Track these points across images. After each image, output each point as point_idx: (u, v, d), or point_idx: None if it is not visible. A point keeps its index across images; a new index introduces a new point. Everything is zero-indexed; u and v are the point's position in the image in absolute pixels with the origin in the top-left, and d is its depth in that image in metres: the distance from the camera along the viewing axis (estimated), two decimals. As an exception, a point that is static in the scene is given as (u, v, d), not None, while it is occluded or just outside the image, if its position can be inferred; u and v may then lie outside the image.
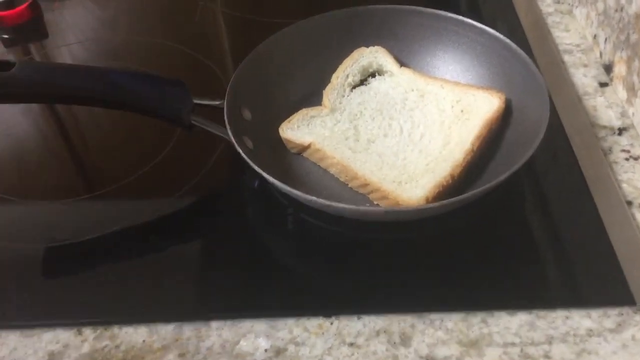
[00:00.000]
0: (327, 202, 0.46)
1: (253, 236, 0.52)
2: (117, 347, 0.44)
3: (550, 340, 0.43)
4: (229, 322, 0.45)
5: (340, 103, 0.58)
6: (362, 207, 0.50)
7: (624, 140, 0.57)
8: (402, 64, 0.61)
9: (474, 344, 0.43)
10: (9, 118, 0.63)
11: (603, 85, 0.62)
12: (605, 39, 0.63)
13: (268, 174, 0.48)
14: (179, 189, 0.55)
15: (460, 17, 0.60)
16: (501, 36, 0.58)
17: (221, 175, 0.57)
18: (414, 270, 0.48)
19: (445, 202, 0.46)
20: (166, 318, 0.45)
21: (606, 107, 0.60)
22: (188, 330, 0.44)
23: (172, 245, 0.51)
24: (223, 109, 0.52)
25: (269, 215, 0.53)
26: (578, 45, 0.67)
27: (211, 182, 0.56)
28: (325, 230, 0.51)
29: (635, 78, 0.57)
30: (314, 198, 0.46)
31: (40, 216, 0.54)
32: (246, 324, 0.45)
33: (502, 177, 0.46)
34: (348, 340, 0.44)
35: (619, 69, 0.60)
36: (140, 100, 0.50)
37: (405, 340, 0.44)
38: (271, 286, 0.47)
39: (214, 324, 0.45)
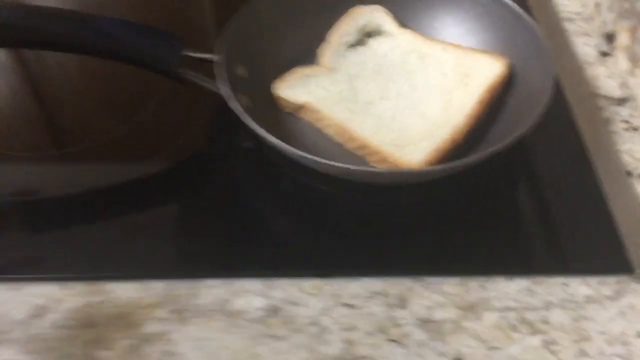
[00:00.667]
0: (329, 162, 0.45)
1: (248, 196, 0.50)
2: (104, 302, 0.42)
3: (547, 306, 0.43)
4: (222, 281, 0.44)
5: (337, 63, 0.57)
6: (365, 168, 0.49)
7: (624, 111, 0.56)
8: (401, 24, 0.60)
9: (471, 308, 0.43)
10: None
11: (604, 54, 0.62)
12: (608, 8, 0.62)
13: (265, 131, 0.46)
14: (169, 144, 0.53)
15: (463, -22, 0.59)
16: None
17: (212, 133, 0.55)
18: (412, 234, 0.48)
19: (446, 165, 0.45)
20: (157, 275, 0.44)
21: (607, 77, 0.59)
22: (181, 287, 0.43)
23: (164, 203, 0.50)
24: (214, 64, 0.50)
25: (264, 176, 0.52)
26: (579, 13, 0.66)
27: (201, 140, 0.55)
28: (321, 191, 0.50)
29: (638, 48, 0.56)
30: (315, 158, 0.45)
31: (20, 170, 0.53)
32: (240, 283, 0.44)
33: (505, 143, 0.46)
34: (344, 300, 0.43)
35: (622, 39, 0.59)
36: (130, 48, 0.48)
37: (402, 303, 0.43)
38: (266, 246, 0.46)
39: (208, 282, 0.44)
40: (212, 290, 0.43)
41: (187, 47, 0.51)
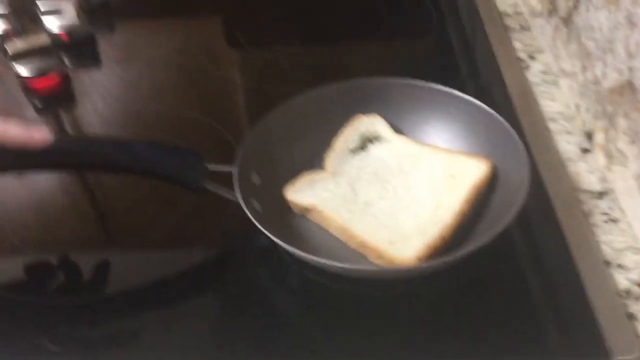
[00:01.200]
0: (326, 261, 0.51)
1: (263, 293, 0.56)
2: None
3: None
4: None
5: (340, 167, 0.64)
6: (357, 266, 0.55)
7: (603, 204, 0.61)
8: (397, 130, 0.67)
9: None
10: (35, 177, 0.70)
11: (585, 151, 0.67)
12: (586, 109, 0.68)
13: (273, 234, 0.53)
14: (192, 246, 0.60)
15: (450, 90, 0.66)
16: (486, 107, 0.63)
17: (232, 235, 0.62)
18: (414, 324, 0.52)
19: (434, 262, 0.51)
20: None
21: (588, 172, 0.65)
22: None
23: (178, 307, 0.56)
24: (233, 174, 0.58)
25: (277, 274, 0.58)
26: (562, 113, 0.72)
27: (221, 241, 0.61)
28: (328, 287, 0.56)
29: (612, 146, 0.62)
30: (313, 257, 0.51)
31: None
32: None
33: (485, 240, 0.51)
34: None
35: (599, 137, 0.65)
36: (160, 168, 0.57)
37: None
38: (280, 341, 0.52)
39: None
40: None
41: (210, 162, 0.59)
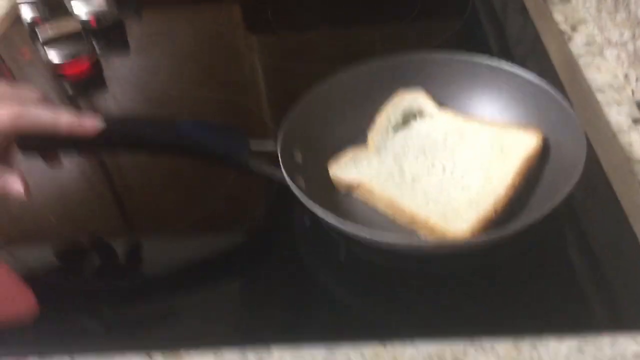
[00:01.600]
0: (378, 235, 0.49)
1: (309, 268, 0.55)
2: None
3: (598, 365, 0.45)
4: (289, 348, 0.48)
5: (384, 144, 0.62)
6: (411, 240, 0.53)
7: (659, 174, 0.59)
8: (440, 105, 0.65)
9: (524, 369, 0.45)
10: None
11: (636, 121, 0.65)
12: (637, 78, 0.66)
13: (320, 209, 0.51)
14: (237, 227, 0.59)
15: (492, 62, 0.64)
16: (534, 78, 0.61)
17: (275, 215, 0.60)
18: (463, 299, 0.50)
19: (490, 234, 0.49)
20: (231, 343, 0.48)
21: (641, 143, 0.62)
22: (251, 356, 0.48)
23: (235, 276, 0.55)
24: (274, 153, 0.56)
25: (323, 252, 0.56)
26: (610, 84, 0.70)
27: (265, 222, 0.60)
28: (375, 263, 0.54)
29: (667, 114, 0.59)
30: (368, 231, 0.50)
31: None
32: (306, 351, 0.48)
33: (544, 211, 0.49)
34: (403, 364, 0.46)
35: (651, 106, 0.63)
36: (206, 148, 0.55)
37: (458, 365, 0.46)
38: (329, 315, 0.50)
39: (276, 352, 0.48)
40: (281, 356, 0.47)
41: (252, 141, 0.57)
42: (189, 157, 0.57)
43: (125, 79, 0.82)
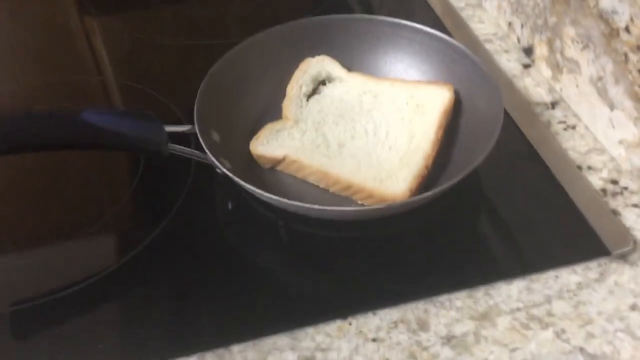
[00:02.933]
0: (326, 208, 0.47)
1: (247, 257, 0.51)
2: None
3: (549, 299, 0.46)
4: (250, 343, 0.44)
5: (301, 114, 0.58)
6: (360, 208, 0.51)
7: (557, 113, 0.62)
8: (348, 69, 0.63)
9: (484, 317, 0.45)
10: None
11: (526, 66, 0.67)
12: (522, 25, 0.68)
13: (257, 189, 0.47)
14: (155, 222, 0.52)
15: (395, 20, 0.63)
16: (436, 31, 0.61)
17: (196, 202, 0.54)
18: (413, 260, 0.49)
19: (437, 189, 0.48)
20: (186, 351, 0.43)
21: (535, 86, 0.65)
22: (212, 357, 0.43)
23: (172, 277, 0.49)
24: (189, 134, 0.51)
25: (259, 232, 0.52)
26: (495, 34, 0.72)
27: (189, 210, 0.54)
28: (318, 236, 0.51)
29: (559, 56, 0.62)
30: (309, 205, 0.46)
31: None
32: (268, 341, 0.44)
33: (477, 162, 0.49)
34: (370, 336, 0.44)
35: (540, 51, 0.65)
36: (118, 137, 0.48)
37: (423, 325, 0.45)
38: (282, 299, 0.47)
39: (236, 348, 0.43)
40: (243, 355, 0.43)
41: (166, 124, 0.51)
42: (94, 150, 0.49)
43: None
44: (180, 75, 0.69)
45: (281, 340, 0.44)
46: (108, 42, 0.75)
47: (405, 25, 0.62)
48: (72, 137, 0.46)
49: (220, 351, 0.43)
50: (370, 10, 0.79)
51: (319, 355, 0.43)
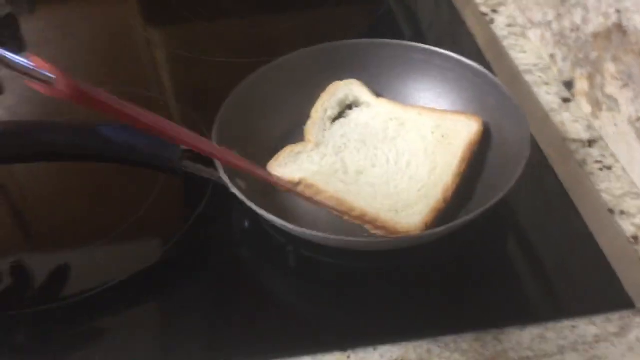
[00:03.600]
0: (331, 236, 0.45)
1: (254, 278, 0.50)
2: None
3: (562, 351, 0.44)
4: (245, 368, 0.43)
5: (323, 137, 0.58)
6: (369, 239, 0.49)
7: (595, 152, 0.58)
8: (376, 94, 0.61)
9: (490, 363, 0.43)
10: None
11: (566, 100, 0.64)
12: (563, 58, 0.65)
13: (266, 211, 0.46)
14: (168, 237, 0.53)
15: (426, 46, 0.61)
16: (469, 61, 0.59)
17: (211, 220, 0.54)
18: (421, 296, 0.47)
19: (451, 224, 0.46)
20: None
21: (573, 122, 0.62)
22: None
23: (168, 296, 0.49)
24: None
25: (270, 256, 0.51)
26: (536, 65, 0.69)
27: (201, 228, 0.54)
28: (327, 264, 0.50)
29: (598, 93, 0.59)
30: (318, 233, 0.45)
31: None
32: (264, 368, 0.43)
33: (498, 197, 0.47)
34: (367, 373, 0.43)
35: (581, 85, 0.62)
36: (133, 152, 0.48)
37: (423, 367, 0.43)
38: (283, 325, 0.46)
39: (229, 373, 0.43)
40: (237, 380, 0.42)
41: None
42: (112, 163, 0.49)
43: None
44: (213, 92, 0.70)
45: (276, 368, 0.43)
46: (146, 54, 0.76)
47: (438, 53, 0.60)
48: (87, 149, 0.47)
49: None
50: (418, 34, 0.77)
51: (312, 387, 0.42)
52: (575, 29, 0.61)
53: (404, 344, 0.44)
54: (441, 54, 0.60)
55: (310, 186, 0.53)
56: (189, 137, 0.42)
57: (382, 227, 0.50)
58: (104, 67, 0.74)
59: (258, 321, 0.46)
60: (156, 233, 0.54)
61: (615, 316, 0.46)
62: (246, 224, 0.54)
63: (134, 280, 0.50)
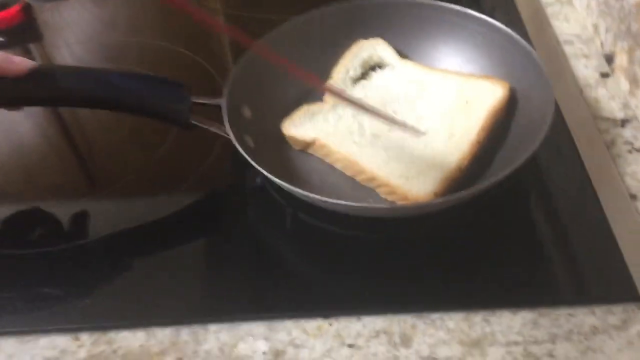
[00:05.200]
0: (332, 200, 0.43)
1: (252, 237, 0.48)
2: (114, 351, 0.41)
3: (553, 339, 0.41)
4: (226, 325, 0.42)
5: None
6: (368, 204, 0.47)
7: (627, 132, 0.53)
8: (402, 55, 0.58)
9: (476, 344, 0.41)
10: (10, 119, 0.60)
11: (604, 75, 0.59)
12: (606, 29, 0.59)
13: (269, 172, 0.45)
14: (175, 189, 0.52)
15: (459, 8, 0.56)
16: (502, 26, 0.54)
17: (220, 174, 0.53)
18: (414, 269, 0.45)
19: (455, 195, 0.43)
20: (163, 322, 0.42)
21: (608, 99, 0.56)
22: (185, 334, 0.42)
23: (168, 247, 0.48)
24: (222, 107, 0.49)
25: (269, 216, 0.50)
26: (578, 36, 0.63)
27: (209, 182, 0.53)
28: (323, 229, 0.48)
29: (637, 69, 0.53)
30: (316, 196, 0.43)
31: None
32: (244, 327, 0.42)
33: (506, 172, 0.43)
34: (347, 341, 0.41)
35: (621, 60, 0.56)
36: (140, 101, 0.47)
37: (405, 341, 0.41)
38: (269, 288, 0.44)
39: (212, 327, 0.42)
40: (217, 336, 0.42)
41: (195, 94, 0.50)
42: (123, 112, 0.49)
43: (66, 29, 0.72)
44: (234, 48, 0.68)
45: (257, 328, 0.42)
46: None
47: (470, 15, 0.56)
48: (96, 96, 0.46)
49: (196, 327, 0.42)
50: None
51: (290, 350, 0.41)
52: (621, -2, 0.55)
53: (389, 315, 0.42)
54: (473, 16, 0.56)
55: (322, 146, 0.51)
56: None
57: (392, 193, 0.47)
58: (148, 18, 0.73)
59: (246, 280, 0.45)
60: (163, 185, 0.53)
61: (618, 308, 0.42)
62: (252, 180, 0.53)
63: (130, 236, 0.49)
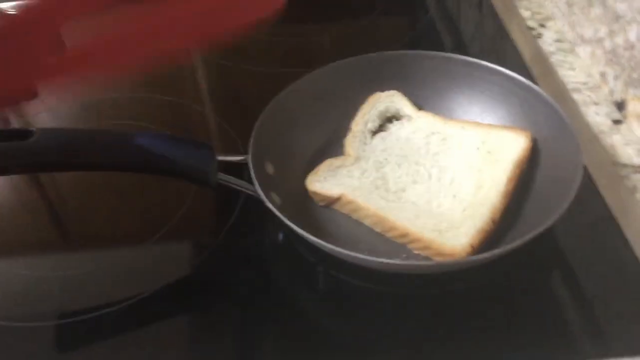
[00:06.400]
0: (367, 257, 0.42)
1: (284, 296, 0.47)
2: None
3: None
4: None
5: (363, 151, 0.54)
6: (410, 262, 0.46)
7: (647, 177, 0.54)
8: (419, 107, 0.58)
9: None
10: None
11: (617, 122, 0.60)
12: (615, 77, 0.61)
13: (300, 228, 0.43)
14: (197, 250, 0.50)
15: (473, 59, 0.58)
16: (515, 75, 0.56)
17: (243, 233, 0.51)
18: (449, 329, 0.44)
19: (501, 249, 0.42)
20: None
21: (624, 145, 0.58)
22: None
23: (195, 310, 0.46)
24: (243, 164, 0.48)
25: (299, 272, 0.48)
26: (585, 83, 0.65)
27: (233, 242, 0.51)
28: (354, 286, 0.47)
29: (653, 114, 0.55)
30: (351, 253, 0.42)
31: (51, 288, 0.49)
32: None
33: (550, 222, 0.43)
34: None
35: (633, 106, 0.58)
36: (168, 163, 0.45)
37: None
38: (306, 348, 0.42)
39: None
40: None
41: (218, 153, 0.48)
42: (146, 173, 0.47)
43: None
44: (250, 102, 0.67)
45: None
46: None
47: (484, 66, 0.57)
48: (122, 159, 0.44)
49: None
50: (461, 46, 0.74)
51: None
52: (630, 47, 0.57)
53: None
54: (486, 66, 0.57)
55: (350, 202, 0.50)
56: None
57: (426, 248, 0.46)
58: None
59: (282, 341, 0.43)
60: (187, 245, 0.51)
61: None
62: (280, 237, 0.51)
63: (162, 293, 0.47)
